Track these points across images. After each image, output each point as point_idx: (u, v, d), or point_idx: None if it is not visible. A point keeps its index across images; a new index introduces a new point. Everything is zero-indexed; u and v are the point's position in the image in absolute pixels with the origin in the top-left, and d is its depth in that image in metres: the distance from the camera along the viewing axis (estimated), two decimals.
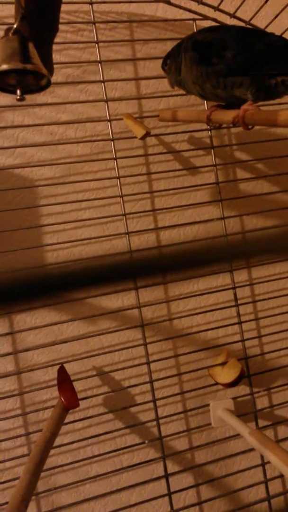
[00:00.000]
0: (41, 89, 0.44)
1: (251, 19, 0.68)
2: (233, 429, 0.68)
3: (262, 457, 0.72)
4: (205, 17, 0.68)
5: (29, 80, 0.44)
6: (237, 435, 0.71)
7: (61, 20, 0.47)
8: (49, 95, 0.66)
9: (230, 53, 0.52)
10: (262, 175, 0.74)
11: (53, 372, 0.65)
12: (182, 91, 0.70)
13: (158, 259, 0.24)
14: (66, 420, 0.59)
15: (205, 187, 0.72)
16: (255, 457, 0.72)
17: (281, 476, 0.73)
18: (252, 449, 0.72)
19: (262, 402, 0.73)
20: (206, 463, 0.71)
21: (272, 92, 0.52)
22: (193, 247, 0.24)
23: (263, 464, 0.71)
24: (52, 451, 0.55)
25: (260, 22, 0.69)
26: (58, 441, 0.60)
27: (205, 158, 0.72)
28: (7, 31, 0.41)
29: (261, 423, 0.72)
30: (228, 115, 0.54)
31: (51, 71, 0.46)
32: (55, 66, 0.48)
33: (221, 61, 0.52)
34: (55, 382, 0.62)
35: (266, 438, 0.57)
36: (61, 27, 0.48)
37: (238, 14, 0.68)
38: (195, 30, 0.69)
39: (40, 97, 0.65)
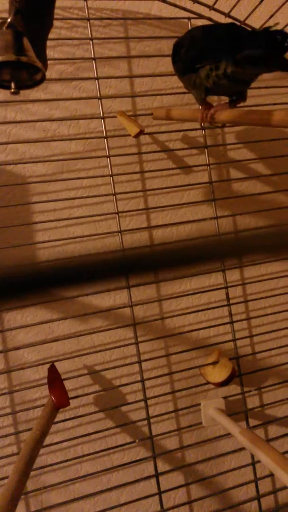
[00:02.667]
0: (35, 84, 0.44)
1: (245, 19, 0.68)
2: (224, 428, 0.69)
3: (252, 456, 0.72)
4: (200, 16, 0.68)
5: (23, 75, 0.44)
6: (228, 435, 0.71)
7: (55, 16, 0.47)
8: (42, 92, 0.65)
9: (183, 49, 0.53)
10: (255, 175, 0.74)
11: (43, 371, 0.64)
12: (176, 90, 0.70)
13: (150, 256, 0.24)
14: (56, 419, 0.59)
15: (199, 187, 0.72)
16: (245, 456, 0.72)
17: (271, 475, 0.73)
18: (242, 448, 0.72)
19: (253, 402, 0.74)
20: (196, 462, 0.71)
21: (222, 87, 0.51)
22: (186, 245, 0.24)
23: (253, 463, 0.72)
24: (42, 450, 0.55)
25: (254, 22, 0.70)
26: (48, 440, 0.59)
27: (199, 157, 0.72)
28: (0, 25, 0.41)
29: (252, 422, 0.73)
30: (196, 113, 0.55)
31: (45, 66, 0.45)
32: (48, 62, 0.48)
33: (179, 59, 0.54)
34: (45, 380, 0.62)
35: (257, 437, 0.57)
36: (55, 23, 0.48)
37: (233, 13, 0.68)
38: (189, 29, 0.69)
39: (33, 93, 0.65)
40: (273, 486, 0.74)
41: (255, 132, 0.74)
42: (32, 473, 0.61)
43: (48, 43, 0.47)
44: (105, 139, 0.66)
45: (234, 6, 0.66)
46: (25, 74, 0.44)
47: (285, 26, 0.68)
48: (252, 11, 0.66)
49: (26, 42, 0.40)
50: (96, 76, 0.65)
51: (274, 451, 0.53)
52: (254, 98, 0.73)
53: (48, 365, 0.63)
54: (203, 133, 0.71)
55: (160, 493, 0.67)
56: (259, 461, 0.71)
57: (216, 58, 0.48)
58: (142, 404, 0.67)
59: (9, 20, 0.40)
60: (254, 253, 0.24)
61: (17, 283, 0.21)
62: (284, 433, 0.75)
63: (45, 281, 0.22)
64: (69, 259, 0.64)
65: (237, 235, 0.74)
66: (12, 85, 0.41)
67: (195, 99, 0.56)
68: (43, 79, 0.43)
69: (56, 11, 0.46)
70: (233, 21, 0.69)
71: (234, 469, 0.72)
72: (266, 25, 0.68)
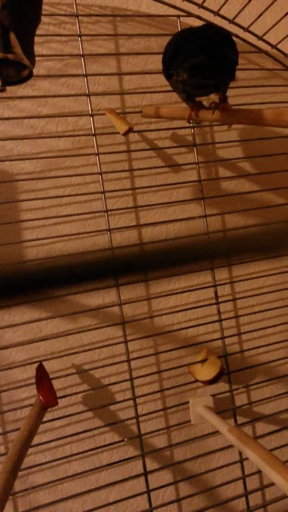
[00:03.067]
0: (22, 80, 0.43)
1: (234, 18, 0.68)
2: (212, 426, 0.69)
3: (240, 453, 0.72)
4: (189, 14, 0.68)
5: (10, 71, 0.43)
6: (216, 432, 0.72)
7: (43, 12, 0.46)
8: (30, 88, 0.65)
9: (163, 56, 0.52)
10: (243, 174, 0.75)
11: (31, 370, 0.64)
12: (165, 88, 0.70)
13: (140, 257, 0.24)
14: (44, 419, 0.59)
15: (188, 185, 0.72)
16: (233, 453, 0.73)
17: (259, 472, 0.74)
18: (230, 446, 0.72)
19: (241, 399, 0.74)
20: (185, 460, 0.71)
21: (193, 91, 0.51)
22: (175, 245, 0.24)
23: (241, 460, 0.72)
24: (30, 450, 0.54)
25: (243, 21, 0.70)
26: (36, 439, 0.59)
27: (188, 156, 0.72)
28: None
29: (240, 420, 0.73)
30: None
31: (33, 63, 0.45)
32: (36, 58, 0.47)
33: (163, 64, 0.53)
34: (33, 380, 0.61)
35: (245, 435, 0.57)
36: (43, 19, 0.47)
37: (222, 12, 0.68)
38: (179, 27, 0.68)
39: (21, 90, 0.64)
40: (260, 483, 0.75)
41: (243, 131, 0.74)
42: (20, 473, 0.60)
43: (36, 39, 0.46)
44: (94, 137, 0.65)
45: (223, 5, 0.66)
46: (12, 71, 0.43)
47: (274, 25, 0.68)
48: (241, 10, 0.66)
49: (13, 37, 0.39)
50: (84, 73, 0.65)
51: (261, 448, 0.53)
52: (245, 97, 0.73)
53: (36, 365, 0.62)
54: (192, 131, 0.71)
55: (148, 491, 0.67)
56: (247, 459, 0.71)
57: (178, 65, 0.47)
58: (130, 402, 0.67)
59: None
60: (244, 253, 0.24)
61: (3, 283, 0.21)
62: (272, 430, 0.75)
63: (32, 282, 0.22)
64: (57, 258, 0.64)
65: (226, 235, 0.74)
66: None
67: (181, 100, 0.56)
68: (30, 75, 0.43)
69: (44, 7, 0.46)
70: (209, 22, 0.69)
71: (222, 466, 0.72)
72: (255, 24, 0.68)
